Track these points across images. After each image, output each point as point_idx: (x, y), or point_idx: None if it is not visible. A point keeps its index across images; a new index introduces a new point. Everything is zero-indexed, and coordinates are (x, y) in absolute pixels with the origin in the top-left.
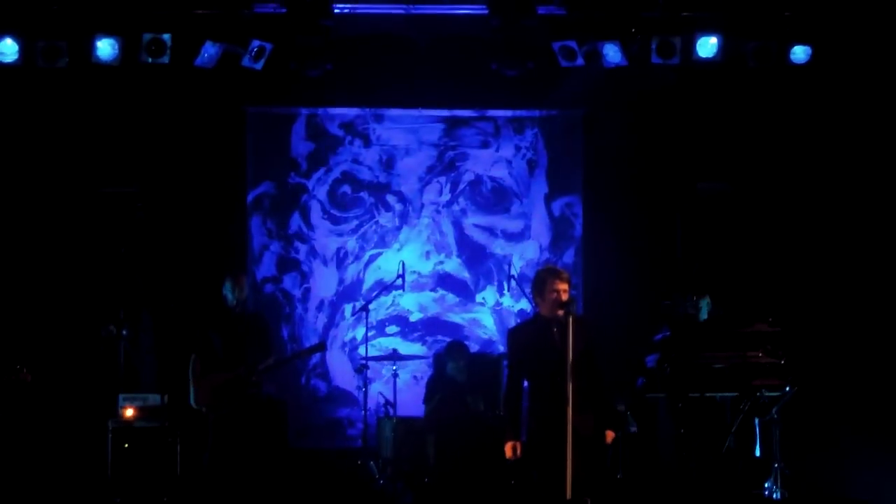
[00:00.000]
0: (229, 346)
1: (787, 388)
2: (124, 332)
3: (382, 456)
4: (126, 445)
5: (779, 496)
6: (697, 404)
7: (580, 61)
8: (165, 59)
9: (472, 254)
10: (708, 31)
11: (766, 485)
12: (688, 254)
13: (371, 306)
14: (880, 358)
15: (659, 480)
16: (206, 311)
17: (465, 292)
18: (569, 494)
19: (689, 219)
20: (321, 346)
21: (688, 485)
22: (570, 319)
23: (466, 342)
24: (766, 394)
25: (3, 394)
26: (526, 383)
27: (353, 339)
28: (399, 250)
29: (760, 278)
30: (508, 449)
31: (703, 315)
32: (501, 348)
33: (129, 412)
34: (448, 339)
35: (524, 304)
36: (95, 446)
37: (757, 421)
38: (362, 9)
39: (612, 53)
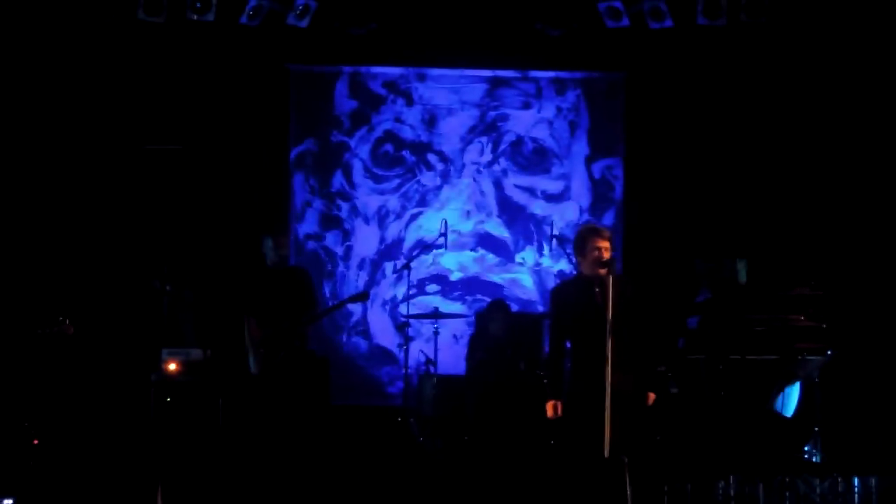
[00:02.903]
0: (272, 302)
1: (829, 352)
2: (168, 287)
3: (423, 414)
4: (168, 399)
5: (818, 459)
6: (738, 367)
7: (625, 22)
8: (210, 17)
9: (512, 214)
10: None
11: (806, 448)
12: (722, 217)
13: (412, 265)
14: None
15: (698, 442)
16: (248, 269)
17: (504, 252)
18: (606, 453)
19: (726, 183)
20: (364, 296)
21: (727, 447)
22: (612, 278)
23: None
24: (808, 357)
25: (47, 346)
26: (568, 343)
27: (394, 297)
28: (440, 209)
29: (800, 241)
30: (549, 408)
31: (742, 278)
32: (541, 308)
33: (172, 366)
34: (488, 299)
35: (563, 265)
36: (138, 400)
37: (798, 385)
38: None
39: (657, 14)
